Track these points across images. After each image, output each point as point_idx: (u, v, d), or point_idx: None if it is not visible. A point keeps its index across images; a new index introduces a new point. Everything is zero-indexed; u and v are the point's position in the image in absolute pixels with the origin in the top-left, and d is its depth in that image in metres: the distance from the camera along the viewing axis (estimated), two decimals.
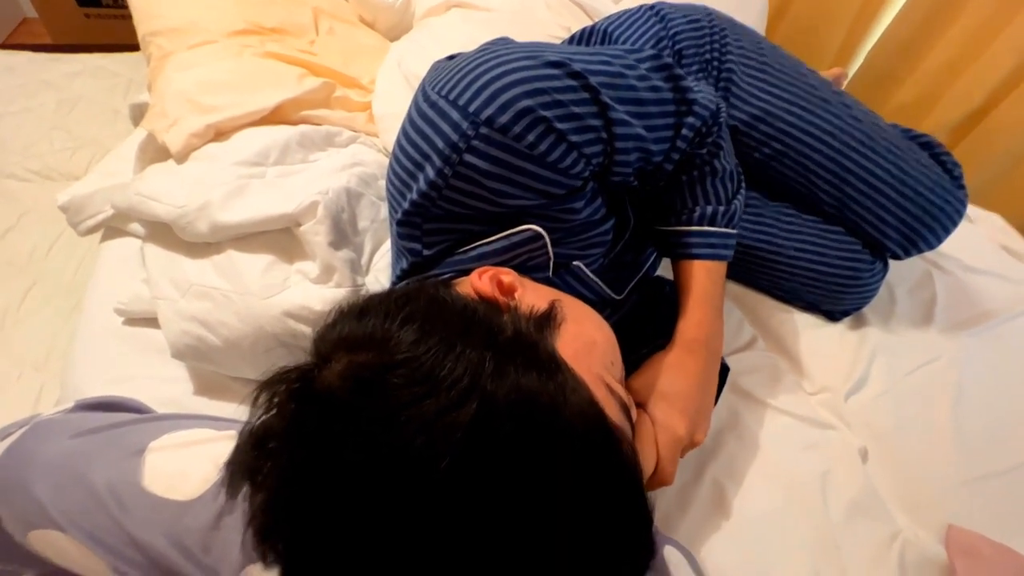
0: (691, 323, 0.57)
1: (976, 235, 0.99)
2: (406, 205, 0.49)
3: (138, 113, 0.90)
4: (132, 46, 0.96)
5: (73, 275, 1.05)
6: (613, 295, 0.61)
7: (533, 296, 0.44)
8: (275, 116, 0.73)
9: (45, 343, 0.95)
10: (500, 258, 0.49)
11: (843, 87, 1.36)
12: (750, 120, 0.73)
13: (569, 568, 0.30)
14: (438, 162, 0.45)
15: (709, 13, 0.76)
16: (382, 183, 0.72)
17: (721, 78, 0.75)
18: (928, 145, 0.74)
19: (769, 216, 0.77)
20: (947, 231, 0.72)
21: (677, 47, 0.75)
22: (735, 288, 0.82)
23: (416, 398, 0.30)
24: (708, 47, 0.75)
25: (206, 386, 0.62)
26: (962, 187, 0.72)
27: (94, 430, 0.41)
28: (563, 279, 0.55)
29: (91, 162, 1.24)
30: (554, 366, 0.36)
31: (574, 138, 0.45)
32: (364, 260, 0.62)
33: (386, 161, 0.60)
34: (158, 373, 0.62)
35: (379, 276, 0.62)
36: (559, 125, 0.44)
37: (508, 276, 0.45)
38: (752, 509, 0.59)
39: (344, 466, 0.29)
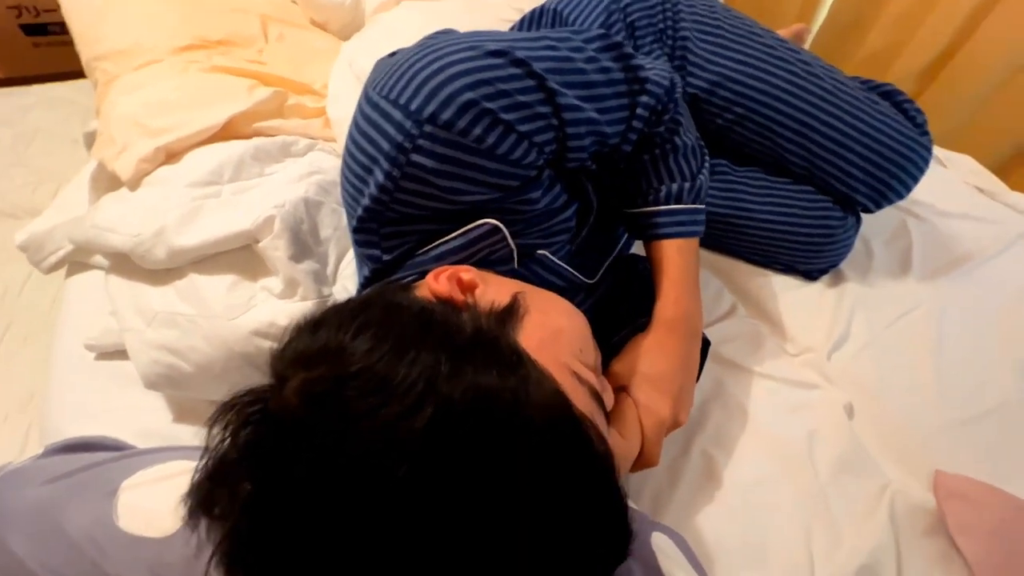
0: (668, 303, 0.56)
1: (949, 179, 0.99)
2: (360, 211, 0.48)
3: (91, 141, 0.88)
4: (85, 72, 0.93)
5: (48, 312, 1.04)
6: (585, 280, 0.61)
7: (495, 291, 0.43)
8: (227, 131, 0.71)
9: (27, 383, 0.94)
10: (461, 255, 0.49)
11: (807, 42, 1.35)
12: (709, 87, 0.72)
13: (541, 561, 0.29)
14: (386, 165, 0.44)
15: None
16: None
17: (677, 47, 0.74)
18: (890, 94, 0.74)
19: (739, 182, 0.77)
20: (915, 179, 0.72)
21: (629, 19, 0.74)
22: (711, 257, 0.82)
23: (371, 408, 0.29)
24: (660, 16, 0.74)
25: (184, 412, 0.61)
26: (926, 133, 0.71)
27: (66, 475, 0.40)
28: (530, 269, 0.54)
29: (54, 196, 1.21)
30: (516, 360, 0.35)
31: (523, 128, 0.44)
32: (330, 269, 0.62)
33: None
34: (135, 404, 0.62)
35: (347, 284, 0.62)
36: (505, 116, 0.43)
37: (468, 273, 0.44)
38: (742, 476, 0.59)
39: (302, 485, 0.28)
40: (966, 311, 0.76)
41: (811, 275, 0.79)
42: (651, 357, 0.54)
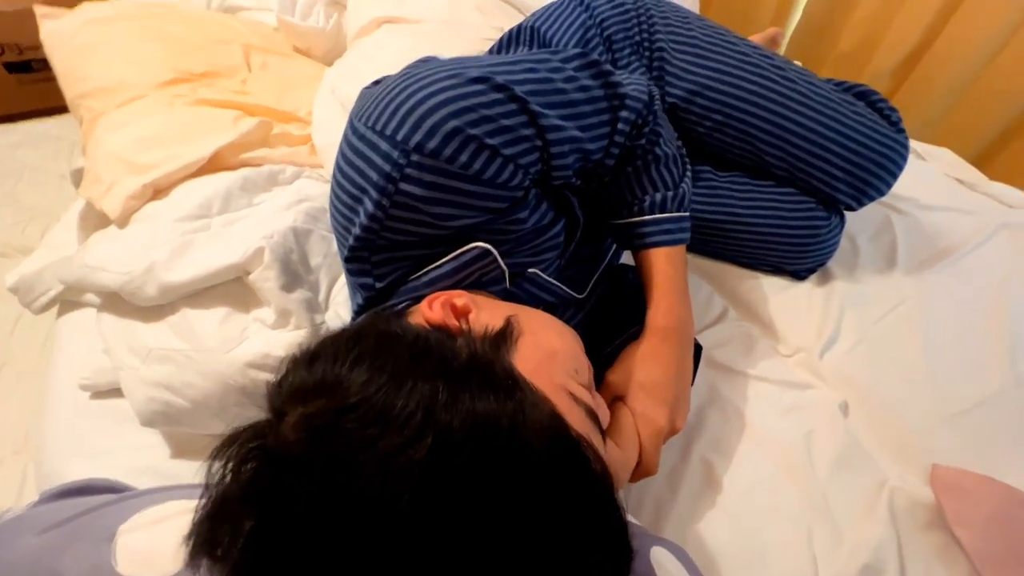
0: (660, 311, 0.57)
1: (929, 173, 1.01)
2: (351, 241, 0.48)
3: (78, 178, 0.88)
4: None
5: (40, 351, 1.03)
6: (575, 295, 0.61)
7: (488, 314, 0.44)
8: (214, 164, 0.72)
9: (22, 425, 0.93)
10: (453, 279, 0.49)
11: (782, 45, 1.37)
12: (687, 95, 0.73)
13: None
14: (375, 194, 0.45)
15: None
16: None
17: (654, 58, 0.75)
18: (864, 94, 0.75)
19: (723, 187, 0.78)
20: (894, 176, 0.73)
21: (606, 33, 0.75)
22: (700, 262, 0.83)
23: (371, 440, 0.30)
24: (636, 29, 0.75)
25: (182, 448, 0.61)
26: (901, 131, 0.73)
27: (61, 522, 0.40)
28: (521, 288, 0.55)
29: (44, 233, 1.21)
30: (511, 384, 0.36)
31: (508, 151, 0.45)
32: (322, 296, 0.62)
33: None
34: (132, 442, 0.61)
35: (339, 311, 0.62)
36: (490, 141, 0.44)
37: (461, 299, 0.45)
38: (741, 480, 0.60)
39: (304, 521, 0.28)
40: (953, 302, 0.77)
41: (799, 275, 0.80)
42: (646, 366, 0.54)
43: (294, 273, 0.58)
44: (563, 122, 0.49)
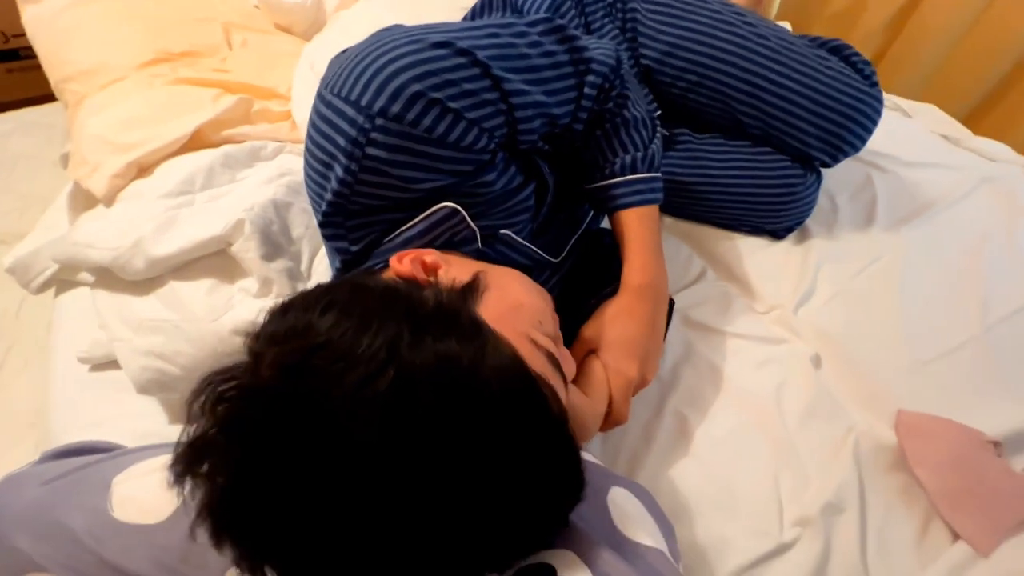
0: (635, 269, 0.59)
1: (914, 130, 1.01)
2: (324, 207, 0.50)
3: (68, 162, 0.90)
4: None
5: (47, 331, 1.07)
6: (550, 258, 0.63)
7: (457, 270, 0.45)
8: (196, 142, 0.73)
9: (34, 402, 0.97)
10: (424, 239, 0.51)
11: (773, 7, 1.35)
12: (660, 56, 0.73)
13: (501, 504, 0.32)
14: (343, 160, 0.46)
15: None
16: None
17: (627, 19, 0.75)
18: (838, 49, 0.75)
19: (700, 149, 0.79)
20: (868, 131, 0.73)
21: None
22: (680, 224, 0.84)
23: (337, 374, 0.31)
24: None
25: (179, 414, 0.64)
26: (875, 84, 0.72)
27: (61, 475, 0.43)
28: (495, 249, 0.56)
29: (41, 219, 1.24)
30: (475, 329, 0.37)
31: (471, 115, 0.46)
32: (304, 266, 0.64)
33: None
34: (132, 410, 0.64)
35: (321, 278, 0.64)
36: (453, 104, 0.45)
37: (431, 256, 0.46)
38: (714, 432, 0.62)
39: (277, 446, 0.30)
40: (929, 256, 0.78)
41: (778, 234, 0.81)
42: (620, 322, 0.56)
43: (275, 243, 0.60)
44: (528, 87, 0.49)
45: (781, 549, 0.53)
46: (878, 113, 0.73)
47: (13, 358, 1.05)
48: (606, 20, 0.75)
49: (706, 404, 0.65)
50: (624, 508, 0.42)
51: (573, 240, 0.69)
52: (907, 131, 0.99)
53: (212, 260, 0.61)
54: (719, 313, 0.73)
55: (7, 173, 1.35)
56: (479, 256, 0.54)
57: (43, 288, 0.77)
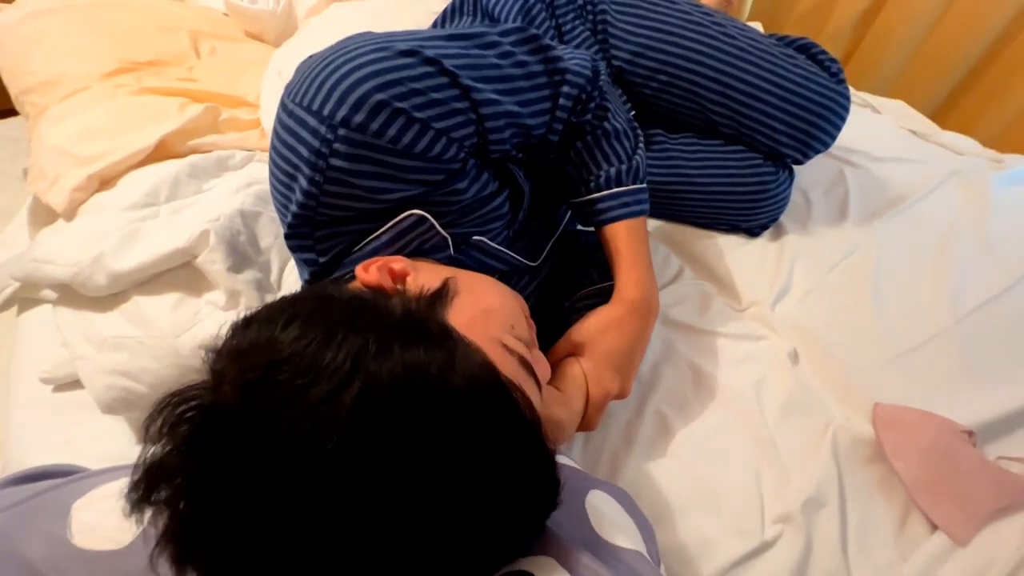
0: (630, 284, 0.58)
1: (883, 125, 1.03)
2: (290, 218, 0.49)
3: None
4: None
5: (9, 352, 1.03)
6: (527, 262, 0.62)
7: (427, 277, 0.44)
8: (161, 152, 0.71)
9: None
10: (393, 247, 0.50)
11: (745, 9, 1.36)
12: (631, 57, 0.73)
13: (475, 513, 0.31)
14: (307, 171, 0.45)
15: None
16: None
17: (598, 20, 0.75)
18: (805, 47, 0.76)
19: (674, 149, 0.79)
20: (836, 127, 0.74)
21: None
22: (657, 224, 0.84)
23: (300, 389, 0.30)
24: None
25: None
26: (842, 81, 0.73)
27: (18, 502, 0.41)
28: (468, 255, 0.55)
29: (1, 236, 1.20)
30: (443, 336, 0.36)
31: (439, 124, 0.44)
32: (273, 277, 0.62)
33: None
34: (97, 431, 0.62)
35: (291, 289, 0.62)
36: (419, 114, 0.43)
37: (399, 263, 0.45)
38: (694, 429, 0.62)
39: (238, 466, 0.29)
40: (901, 249, 0.79)
41: (753, 232, 0.82)
42: (611, 334, 0.56)
43: (242, 254, 0.59)
44: (498, 96, 0.48)
45: (763, 547, 0.53)
46: (846, 110, 0.74)
47: None
48: (577, 22, 0.75)
49: (687, 403, 0.64)
50: (602, 511, 0.41)
51: (551, 244, 0.68)
52: (877, 127, 1.01)
53: (178, 273, 0.59)
54: (698, 312, 0.74)
55: None
56: (452, 263, 0.54)
57: (5, 307, 0.74)
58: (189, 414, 0.32)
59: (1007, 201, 0.87)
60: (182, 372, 0.56)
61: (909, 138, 1.01)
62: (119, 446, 0.61)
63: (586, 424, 0.53)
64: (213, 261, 0.56)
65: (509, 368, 0.39)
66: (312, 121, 0.44)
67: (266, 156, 0.80)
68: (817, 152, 0.76)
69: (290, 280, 0.64)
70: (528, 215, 0.62)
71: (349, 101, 0.42)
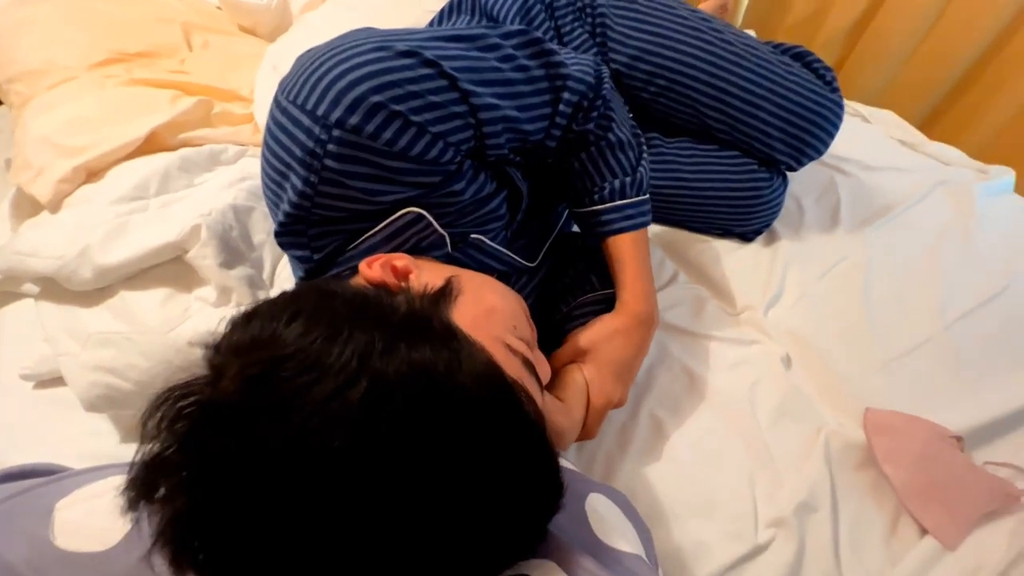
0: (636, 296, 0.59)
1: (873, 134, 1.04)
2: (281, 216, 0.48)
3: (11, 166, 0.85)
4: None
5: None
6: (525, 263, 0.62)
7: (429, 275, 0.44)
8: (151, 145, 0.70)
9: None
10: (390, 245, 0.49)
11: (738, 16, 1.38)
12: (630, 61, 0.74)
13: (480, 516, 0.31)
14: (301, 171, 0.44)
15: None
16: None
17: (597, 23, 0.75)
18: (800, 55, 0.77)
19: (670, 153, 0.79)
20: (830, 135, 0.75)
21: (547, 0, 0.75)
22: (653, 228, 0.83)
23: (306, 386, 0.30)
24: None
25: (131, 431, 0.60)
26: (836, 90, 0.74)
27: None
28: (467, 254, 0.55)
29: None
30: (448, 335, 0.36)
31: (436, 128, 0.44)
32: (266, 273, 0.61)
33: None
34: (80, 429, 0.61)
35: (284, 286, 0.61)
36: (416, 117, 0.43)
37: (401, 260, 0.45)
38: (688, 433, 0.62)
39: (243, 463, 0.28)
40: (891, 257, 0.80)
41: (747, 237, 0.82)
42: (616, 343, 0.56)
43: (234, 250, 0.58)
44: (497, 100, 0.48)
45: (757, 551, 0.53)
46: (839, 118, 0.75)
47: None
48: (576, 24, 0.75)
49: (681, 406, 0.65)
50: (602, 514, 0.41)
51: (547, 244, 0.68)
52: (867, 136, 1.03)
53: (167, 268, 0.58)
54: (692, 316, 0.74)
55: None
56: (450, 261, 0.53)
57: None
58: (188, 409, 0.31)
59: (992, 211, 0.88)
60: (170, 370, 0.55)
61: (897, 148, 1.02)
62: (102, 444, 0.60)
63: (586, 432, 0.53)
64: (205, 256, 0.55)
65: (513, 368, 0.39)
66: (306, 120, 0.43)
67: (259, 151, 0.79)
68: (811, 159, 0.77)
69: (283, 276, 0.63)
70: (526, 215, 0.62)
71: (345, 102, 0.41)
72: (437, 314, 0.39)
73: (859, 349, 0.70)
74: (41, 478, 0.44)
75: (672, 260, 0.82)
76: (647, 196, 0.60)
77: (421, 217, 0.48)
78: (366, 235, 0.49)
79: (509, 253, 0.59)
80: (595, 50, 0.75)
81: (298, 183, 0.44)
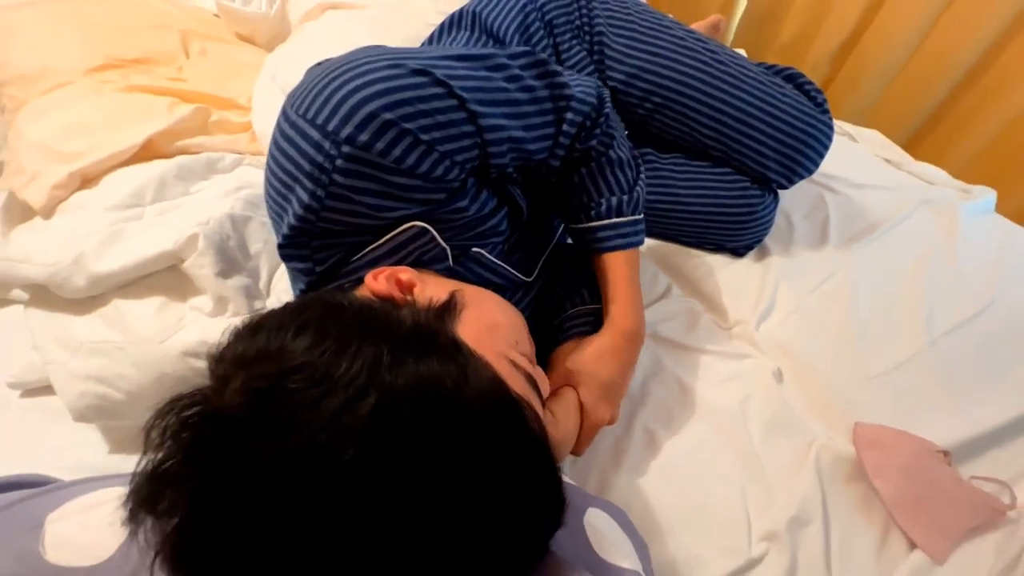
0: (625, 314, 0.59)
1: (860, 153, 1.07)
2: (285, 228, 0.48)
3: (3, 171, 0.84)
4: None
5: None
6: (523, 277, 0.63)
7: (433, 289, 0.44)
8: (147, 152, 0.69)
9: None
10: (393, 258, 0.49)
11: (729, 34, 1.41)
12: (627, 79, 0.75)
13: (483, 532, 0.31)
14: (308, 184, 0.44)
15: None
16: None
17: (594, 42, 0.77)
18: (792, 77, 0.79)
19: (664, 169, 0.81)
20: (820, 155, 0.77)
21: (546, 18, 0.76)
22: (647, 242, 0.85)
23: (314, 399, 0.30)
24: (576, 13, 0.76)
25: (121, 442, 0.59)
26: (826, 111, 0.76)
27: None
28: (466, 267, 0.55)
29: None
30: (455, 349, 0.36)
31: (444, 147, 0.44)
32: (263, 283, 0.61)
33: None
34: (68, 439, 0.60)
35: (281, 297, 0.61)
36: (425, 136, 0.43)
37: (406, 274, 0.45)
38: (681, 446, 0.63)
39: (249, 477, 0.28)
40: (878, 274, 0.82)
41: (739, 252, 0.84)
42: (605, 362, 0.57)
43: (231, 259, 0.58)
44: (504, 121, 0.49)
45: (750, 564, 0.54)
46: (829, 139, 0.76)
47: None
48: (574, 43, 0.76)
49: (674, 420, 0.65)
50: (601, 530, 0.41)
51: (543, 258, 0.69)
52: (854, 154, 1.05)
53: (162, 277, 0.57)
54: (685, 329, 0.75)
55: None
56: (451, 274, 0.53)
57: None
58: (193, 420, 0.31)
59: (975, 230, 0.91)
60: (163, 380, 0.55)
61: (883, 166, 1.05)
62: (91, 455, 0.59)
63: (575, 449, 0.54)
64: (202, 266, 0.54)
65: (517, 383, 0.39)
66: (315, 135, 0.43)
67: (257, 160, 0.79)
68: (802, 177, 0.79)
69: (279, 287, 0.62)
70: (522, 230, 0.62)
71: (356, 119, 0.42)
72: (443, 328, 0.39)
73: (849, 364, 0.71)
74: (30, 490, 0.43)
75: (666, 273, 0.83)
76: (642, 216, 0.62)
77: (424, 231, 0.49)
78: (369, 248, 0.49)
79: (507, 267, 0.59)
80: (592, 68, 0.76)
81: (304, 196, 0.44)
